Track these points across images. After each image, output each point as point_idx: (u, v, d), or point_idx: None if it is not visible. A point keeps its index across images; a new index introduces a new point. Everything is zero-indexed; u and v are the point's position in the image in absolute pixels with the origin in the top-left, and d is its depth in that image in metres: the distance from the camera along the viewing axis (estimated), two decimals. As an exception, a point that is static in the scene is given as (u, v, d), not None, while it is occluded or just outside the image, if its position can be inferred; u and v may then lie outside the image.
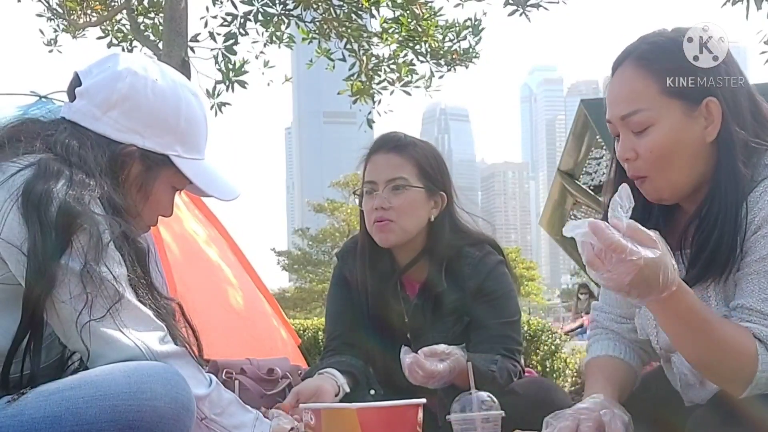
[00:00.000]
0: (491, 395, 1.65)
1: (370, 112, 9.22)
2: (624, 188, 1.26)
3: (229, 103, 8.60)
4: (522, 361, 2.09)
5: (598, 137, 6.45)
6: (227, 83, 8.44)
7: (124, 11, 8.89)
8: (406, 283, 2.20)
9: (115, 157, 1.45)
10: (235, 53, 8.36)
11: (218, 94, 8.51)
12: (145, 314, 1.35)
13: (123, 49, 8.89)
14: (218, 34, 8.33)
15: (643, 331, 1.60)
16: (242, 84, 8.47)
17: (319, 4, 8.45)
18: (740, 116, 1.42)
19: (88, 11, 8.95)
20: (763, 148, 1.41)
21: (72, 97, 1.49)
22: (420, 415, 1.70)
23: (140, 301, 1.35)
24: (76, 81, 1.50)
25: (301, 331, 6.57)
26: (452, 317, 2.10)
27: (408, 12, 8.51)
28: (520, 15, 7.93)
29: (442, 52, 8.77)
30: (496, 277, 2.10)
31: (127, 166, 1.47)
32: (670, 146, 1.41)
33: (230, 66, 8.38)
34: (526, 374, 2.31)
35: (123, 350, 1.29)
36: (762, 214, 1.35)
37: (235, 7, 8.30)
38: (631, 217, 1.27)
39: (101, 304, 1.27)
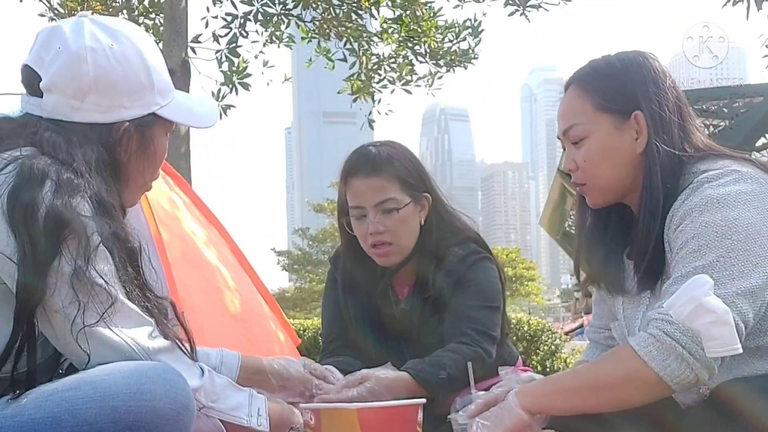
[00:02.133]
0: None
1: (370, 112, 9.23)
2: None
3: (233, 106, 8.58)
4: (493, 348, 2.02)
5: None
6: (230, 86, 8.44)
7: (125, 11, 8.90)
8: (395, 285, 2.19)
9: (111, 141, 1.43)
10: (238, 56, 8.36)
11: (222, 97, 8.51)
12: (133, 312, 1.34)
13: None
14: (221, 36, 8.34)
15: (623, 340, 1.65)
16: (245, 86, 8.47)
17: (319, 3, 8.45)
18: (666, 129, 1.54)
19: (89, 11, 8.95)
20: (693, 159, 1.53)
21: (33, 91, 1.44)
22: (420, 415, 1.70)
23: (130, 299, 1.34)
24: (32, 73, 1.44)
25: (301, 331, 6.57)
26: (436, 317, 2.09)
27: (408, 12, 8.51)
28: (520, 15, 7.94)
29: (441, 52, 8.77)
30: (477, 269, 2.09)
31: (125, 143, 1.46)
32: (602, 156, 1.57)
33: (233, 68, 8.38)
34: (524, 374, 2.30)
35: (113, 348, 1.29)
36: (679, 215, 1.46)
37: (235, 7, 8.31)
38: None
39: (94, 309, 1.26)
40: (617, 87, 1.57)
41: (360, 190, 2.06)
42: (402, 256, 2.10)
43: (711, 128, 7.94)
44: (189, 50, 7.59)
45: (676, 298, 1.33)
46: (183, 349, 1.43)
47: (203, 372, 1.46)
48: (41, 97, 1.43)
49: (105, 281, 1.28)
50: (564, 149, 1.66)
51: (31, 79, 1.44)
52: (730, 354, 1.29)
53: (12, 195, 1.25)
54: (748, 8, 6.78)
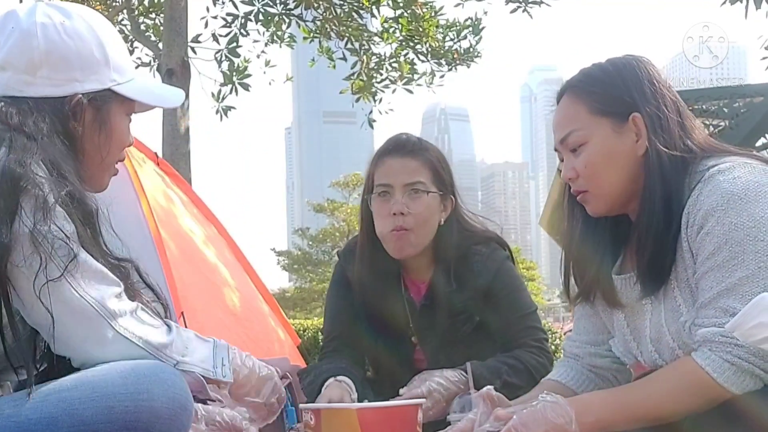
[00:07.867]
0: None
1: (371, 112, 9.23)
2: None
3: (234, 107, 8.58)
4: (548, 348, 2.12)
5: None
6: (231, 86, 8.43)
7: (125, 11, 8.90)
8: (409, 285, 2.18)
9: (63, 112, 1.43)
10: (238, 56, 8.37)
11: (223, 98, 8.50)
12: (99, 271, 1.33)
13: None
14: (221, 35, 8.34)
15: (627, 355, 1.64)
16: (245, 87, 8.46)
17: (320, 3, 8.45)
18: (666, 129, 1.51)
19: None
20: (698, 158, 1.50)
21: None
22: (420, 415, 1.70)
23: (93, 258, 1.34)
24: None
25: (301, 331, 6.59)
26: (462, 316, 2.09)
27: (408, 12, 8.51)
28: (523, 11, 7.95)
29: (442, 51, 8.78)
30: (504, 275, 2.10)
31: (80, 116, 1.46)
32: (603, 161, 1.53)
33: (233, 68, 8.37)
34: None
35: (76, 310, 1.28)
36: (701, 214, 1.42)
37: (236, 7, 8.32)
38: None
39: (55, 264, 1.26)
40: (612, 90, 1.54)
41: (391, 168, 2.07)
42: (416, 250, 2.08)
43: (711, 128, 7.93)
44: (189, 50, 7.59)
45: (742, 320, 1.29)
46: (150, 308, 1.41)
47: (171, 328, 1.44)
48: None
49: (65, 235, 1.28)
50: (562, 160, 1.62)
51: None
52: None
53: None
54: (746, 7, 6.78)
